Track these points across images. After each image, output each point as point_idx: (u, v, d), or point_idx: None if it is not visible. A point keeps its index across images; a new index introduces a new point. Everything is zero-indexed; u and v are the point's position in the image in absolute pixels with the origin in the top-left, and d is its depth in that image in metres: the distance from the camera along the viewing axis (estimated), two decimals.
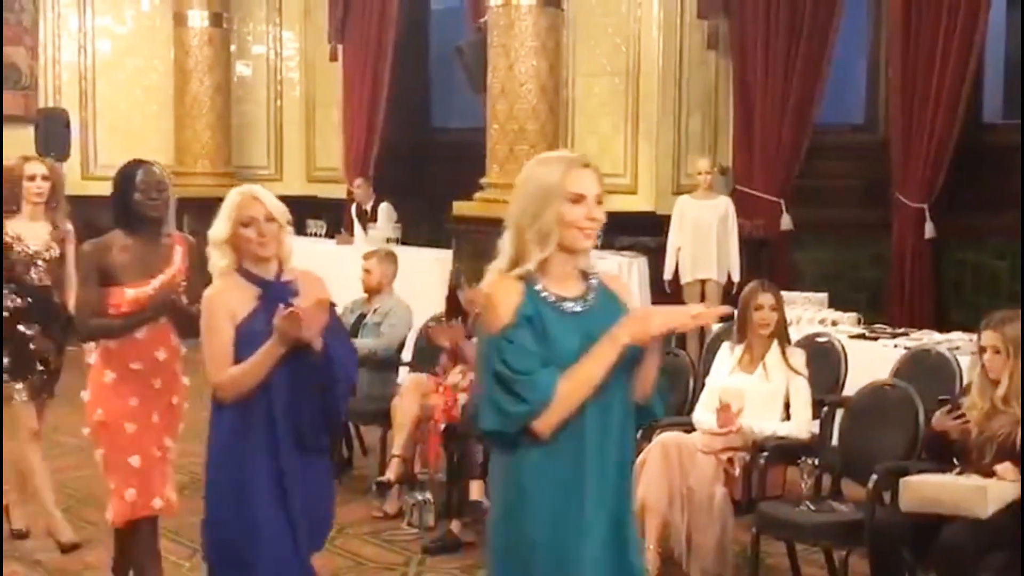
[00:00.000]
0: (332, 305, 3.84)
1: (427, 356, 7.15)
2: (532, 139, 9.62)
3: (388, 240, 10.41)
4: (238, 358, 3.73)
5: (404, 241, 10.80)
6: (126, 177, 4.70)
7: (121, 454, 4.66)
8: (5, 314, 5.65)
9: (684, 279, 9.58)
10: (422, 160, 12.73)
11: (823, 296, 8.52)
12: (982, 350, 4.97)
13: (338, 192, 12.76)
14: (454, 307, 6.93)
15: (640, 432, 6.04)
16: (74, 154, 12.01)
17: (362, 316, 7.46)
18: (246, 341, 3.73)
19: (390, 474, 6.55)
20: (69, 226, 5.86)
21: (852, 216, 9.96)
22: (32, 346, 5.71)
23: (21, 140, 11.70)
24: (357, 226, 11.54)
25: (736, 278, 9.29)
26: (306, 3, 13.51)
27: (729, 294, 9.13)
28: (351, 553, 6.12)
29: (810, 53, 9.60)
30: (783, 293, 6.25)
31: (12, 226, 5.72)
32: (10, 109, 12.27)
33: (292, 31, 13.75)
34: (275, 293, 3.80)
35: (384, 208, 11.22)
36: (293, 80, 13.78)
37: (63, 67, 12.91)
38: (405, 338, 7.45)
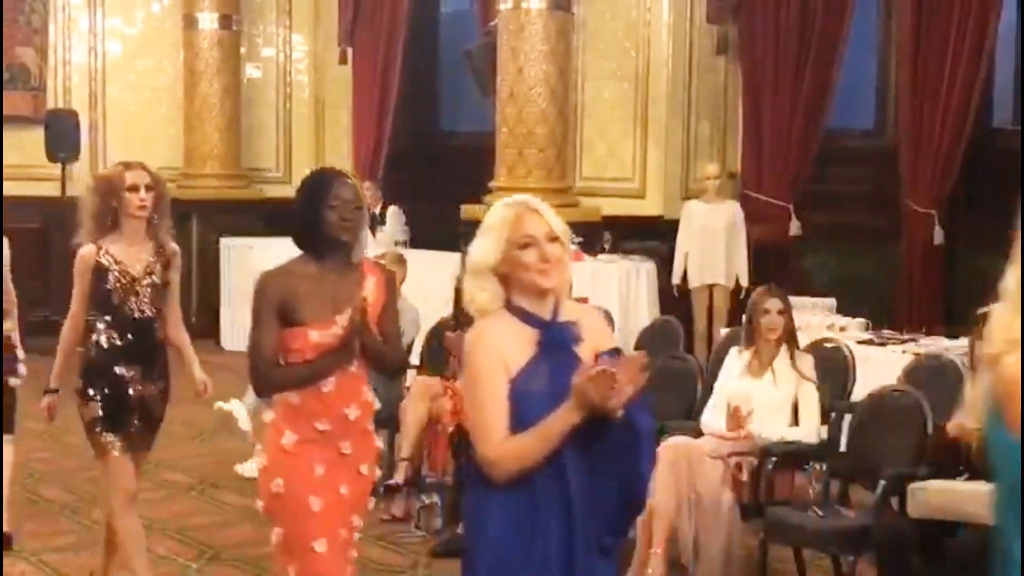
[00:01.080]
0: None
1: (435, 359, 7.16)
2: (541, 143, 9.62)
3: (396, 243, 10.41)
4: (514, 424, 2.91)
5: (413, 244, 10.80)
6: (316, 190, 3.86)
7: (304, 537, 3.85)
8: (99, 347, 4.82)
9: (692, 284, 9.58)
10: (431, 163, 12.73)
11: (831, 301, 8.52)
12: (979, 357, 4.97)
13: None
14: (462, 311, 6.91)
15: None
16: (83, 155, 12.02)
17: None
18: (523, 401, 2.91)
19: (398, 477, 6.55)
20: (175, 246, 5.05)
21: (861, 221, 9.95)
22: (131, 391, 4.82)
23: (31, 141, 11.76)
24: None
25: (744, 283, 9.28)
26: (316, 6, 13.53)
27: (737, 299, 9.13)
28: (358, 555, 6.11)
29: (819, 58, 9.59)
30: (791, 298, 6.25)
31: (108, 246, 4.83)
32: (20, 110, 12.28)
33: (302, 34, 13.75)
34: (556, 338, 2.98)
35: (393, 211, 11.22)
36: (302, 83, 13.79)
37: (73, 68, 12.91)
38: (413, 341, 7.46)
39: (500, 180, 9.79)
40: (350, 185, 3.85)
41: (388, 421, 6.99)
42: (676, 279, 9.67)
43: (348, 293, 3.80)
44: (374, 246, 10.47)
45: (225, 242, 12.31)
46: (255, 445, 7.52)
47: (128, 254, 4.85)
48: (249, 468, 7.49)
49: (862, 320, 8.15)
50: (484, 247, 2.99)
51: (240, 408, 7.31)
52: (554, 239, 3.00)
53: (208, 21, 12.81)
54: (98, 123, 12.94)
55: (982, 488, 4.74)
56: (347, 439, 3.89)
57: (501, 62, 9.81)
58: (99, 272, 4.79)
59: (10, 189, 10.72)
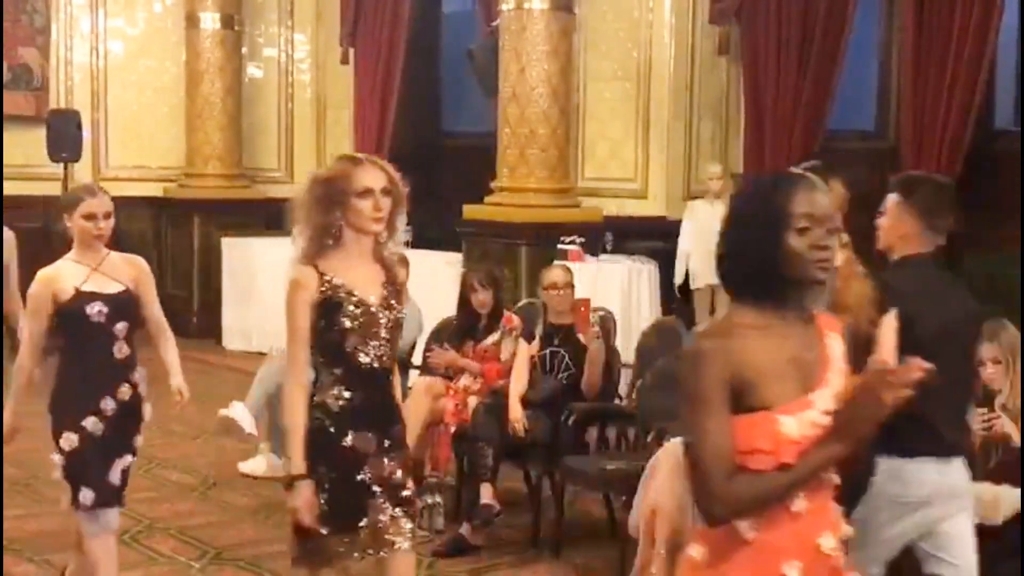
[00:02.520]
0: None
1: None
2: (543, 143, 9.62)
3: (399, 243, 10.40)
4: None
5: (415, 244, 10.80)
6: (771, 205, 2.54)
7: None
8: (325, 410, 3.72)
9: (694, 285, 9.58)
10: (433, 163, 12.73)
11: None
12: (980, 364, 4.98)
13: None
14: (466, 311, 6.95)
15: (651, 437, 6.07)
16: (85, 155, 12.02)
17: None
18: None
19: None
20: (403, 271, 4.03)
21: (862, 223, 9.93)
22: (366, 474, 3.73)
23: (33, 141, 11.76)
24: None
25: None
26: (318, 6, 13.54)
27: None
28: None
29: (821, 59, 9.60)
30: None
31: (332, 269, 3.72)
32: (22, 110, 12.30)
33: (304, 33, 13.76)
34: None
35: None
36: (304, 82, 13.80)
37: (75, 68, 12.92)
38: (416, 341, 7.47)
39: (502, 180, 9.80)
40: (821, 191, 2.55)
41: None
42: (678, 280, 9.66)
43: (814, 356, 2.58)
44: None
45: (227, 242, 12.32)
46: (259, 444, 7.55)
47: (359, 280, 3.76)
48: (251, 466, 7.51)
49: None
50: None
51: (243, 411, 7.32)
52: None
53: (210, 21, 12.81)
54: (100, 123, 12.95)
55: (985, 489, 4.74)
56: None
57: (503, 62, 9.81)
58: (327, 306, 3.68)
59: (12, 189, 10.74)
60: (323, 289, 3.70)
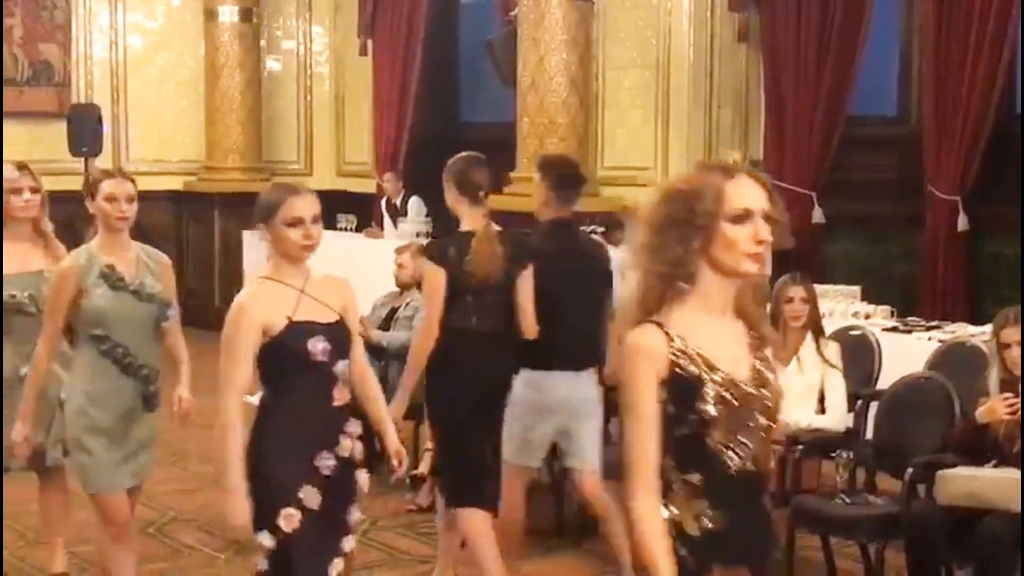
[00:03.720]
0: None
1: None
2: (562, 133, 9.61)
3: (418, 234, 10.42)
4: None
5: (434, 235, 10.80)
6: None
7: None
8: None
9: None
10: (452, 154, 12.64)
11: (856, 289, 8.48)
12: (1004, 346, 4.96)
13: (368, 187, 12.79)
14: None
15: None
16: (106, 150, 12.07)
17: (393, 310, 7.49)
18: None
19: (423, 468, 6.56)
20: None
21: (884, 209, 9.89)
22: None
23: (54, 136, 11.81)
24: (387, 220, 11.56)
25: (768, 272, 9.22)
26: None
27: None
28: (385, 545, 6.15)
29: (841, 45, 9.54)
30: (816, 286, 6.23)
31: (676, 329, 2.62)
32: (43, 105, 12.37)
33: (322, 26, 13.77)
34: None
35: (414, 202, 11.23)
36: (323, 75, 13.81)
37: (95, 63, 12.97)
38: None
39: (521, 170, 9.79)
40: None
41: (412, 411, 6.99)
42: None
43: None
44: (396, 237, 10.50)
45: (248, 235, 12.34)
46: None
47: (717, 345, 2.63)
48: None
49: (887, 307, 8.11)
50: None
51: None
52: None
53: (228, 14, 12.84)
54: (120, 117, 13.00)
55: (1010, 474, 4.73)
56: None
57: (521, 52, 9.80)
58: (681, 384, 2.57)
59: None
60: (676, 358, 2.57)
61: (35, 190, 5.03)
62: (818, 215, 9.92)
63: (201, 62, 13.09)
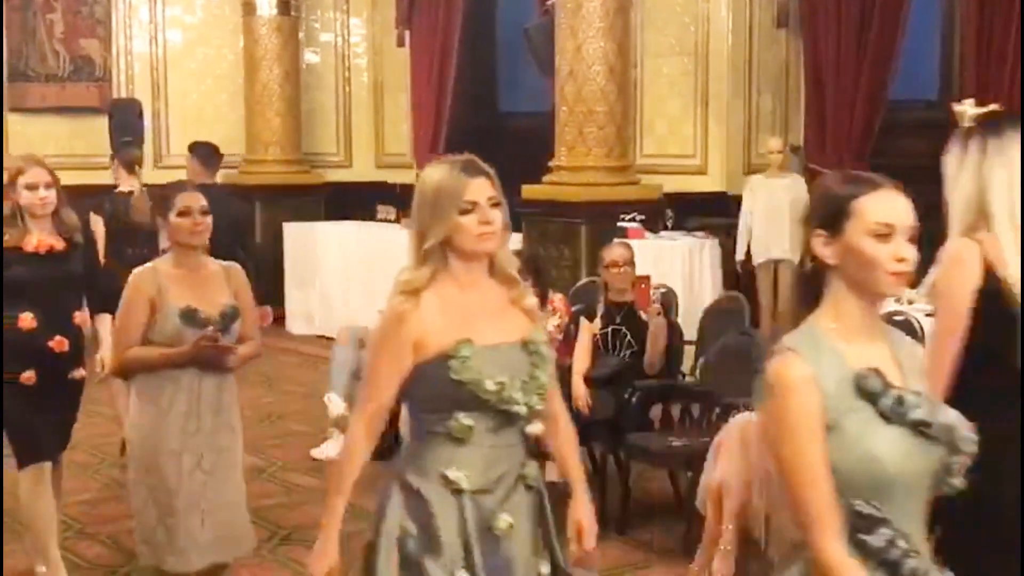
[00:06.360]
0: None
1: None
2: (601, 121, 9.57)
3: None
4: None
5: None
6: None
7: None
8: None
9: (757, 260, 9.51)
10: (490, 144, 12.63)
11: None
12: None
13: (407, 177, 12.79)
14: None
15: (716, 413, 6.05)
16: (147, 144, 12.15)
17: None
18: None
19: None
20: None
21: (926, 193, 9.79)
22: None
23: (96, 131, 11.91)
24: None
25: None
26: None
27: None
28: None
29: (883, 28, 9.46)
30: None
31: None
32: (85, 101, 12.50)
33: (359, 17, 13.81)
34: None
35: None
36: (361, 66, 13.85)
37: (135, 58, 13.07)
38: None
39: (560, 159, 9.77)
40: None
41: None
42: (740, 255, 9.60)
43: None
44: None
45: (288, 227, 12.40)
46: (328, 428, 7.61)
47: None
48: (324, 451, 7.55)
49: None
50: None
51: (337, 399, 7.46)
52: None
53: (266, 7, 12.90)
54: (161, 112, 13.10)
55: None
56: None
57: (559, 41, 9.77)
58: None
59: (76, 178, 10.86)
60: None
61: (50, 184, 5.00)
62: None
63: (240, 55, 13.16)
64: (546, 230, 9.66)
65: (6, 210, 4.99)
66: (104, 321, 5.30)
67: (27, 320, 4.96)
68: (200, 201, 4.45)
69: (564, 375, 6.44)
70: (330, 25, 13.81)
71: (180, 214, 4.41)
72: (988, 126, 3.35)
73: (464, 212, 3.03)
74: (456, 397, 2.99)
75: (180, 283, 4.42)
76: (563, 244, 9.24)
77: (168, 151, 12.99)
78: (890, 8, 9.39)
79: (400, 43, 13.02)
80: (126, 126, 11.69)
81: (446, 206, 3.04)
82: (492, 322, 3.08)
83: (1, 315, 4.94)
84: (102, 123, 11.80)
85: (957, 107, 3.43)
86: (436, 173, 3.13)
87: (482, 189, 3.10)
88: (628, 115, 9.97)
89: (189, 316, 4.36)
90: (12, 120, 12.22)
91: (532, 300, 3.24)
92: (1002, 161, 3.20)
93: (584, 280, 8.31)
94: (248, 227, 7.71)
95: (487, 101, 13.48)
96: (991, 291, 3.13)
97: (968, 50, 9.08)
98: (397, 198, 12.17)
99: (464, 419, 2.99)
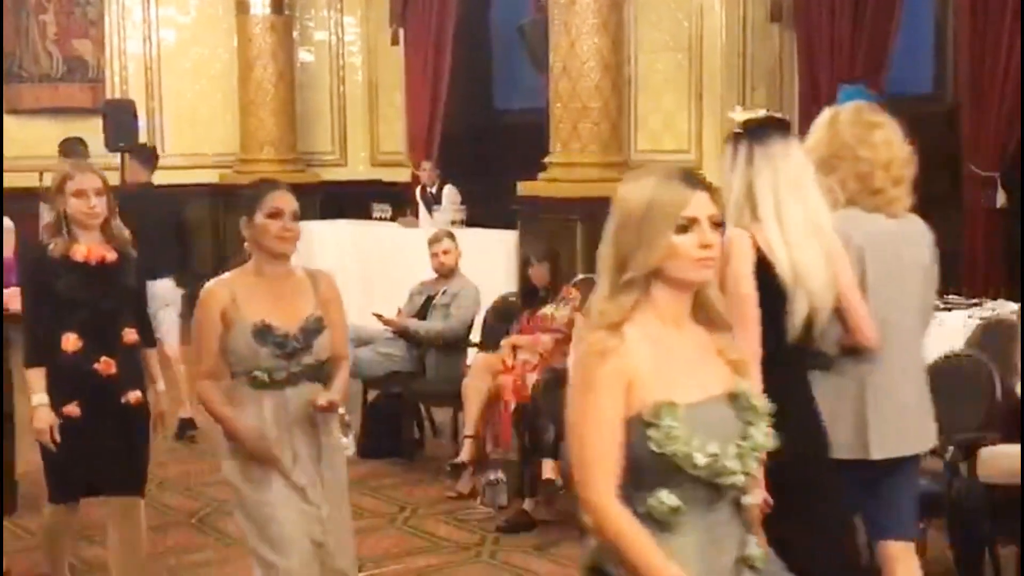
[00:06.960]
0: None
1: (495, 336, 7.21)
2: (595, 117, 9.58)
3: (453, 222, 10.43)
4: None
5: (469, 223, 10.82)
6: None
7: None
8: None
9: None
10: (485, 141, 12.72)
11: None
12: None
13: (402, 175, 12.81)
14: (525, 285, 7.04)
15: None
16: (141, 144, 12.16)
17: (430, 298, 7.51)
18: None
19: (463, 455, 6.58)
20: None
21: (922, 186, 9.81)
22: None
23: (89, 131, 11.88)
24: (422, 209, 11.58)
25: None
26: None
27: None
28: (427, 533, 6.17)
29: (876, 22, 9.46)
30: None
31: None
32: (79, 101, 12.51)
33: (353, 16, 13.80)
34: None
35: (448, 190, 11.24)
36: (355, 65, 13.85)
37: (128, 58, 13.07)
38: (473, 319, 7.50)
39: (555, 156, 9.78)
40: None
41: (451, 399, 7.03)
42: None
43: None
44: (431, 226, 10.51)
45: None
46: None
47: None
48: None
49: None
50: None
51: None
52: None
53: (260, 7, 12.91)
54: (155, 112, 13.10)
55: None
56: None
57: (553, 37, 9.77)
58: None
59: None
60: None
61: (100, 192, 4.51)
62: None
63: (234, 55, 13.16)
64: (541, 227, 9.66)
65: (50, 218, 4.58)
66: (151, 357, 4.86)
67: (71, 341, 4.51)
68: (293, 204, 4.00)
69: (560, 372, 6.47)
70: (324, 24, 13.81)
71: (270, 215, 3.98)
72: (754, 133, 3.60)
73: (681, 230, 2.53)
74: (657, 470, 2.46)
75: (258, 294, 4.00)
76: (559, 241, 9.23)
77: (163, 151, 12.96)
78: (883, 2, 9.40)
79: (394, 41, 13.02)
80: (120, 127, 11.69)
81: (659, 224, 2.53)
82: (694, 372, 2.55)
83: (52, 330, 4.51)
84: (96, 124, 11.78)
85: (730, 113, 3.69)
86: (645, 185, 2.62)
87: (704, 205, 2.59)
88: (622, 111, 9.98)
89: (263, 333, 3.94)
90: (5, 121, 12.21)
91: (740, 352, 2.69)
92: (766, 165, 3.58)
93: (579, 277, 8.32)
94: (189, 227, 8.83)
95: (482, 98, 13.49)
96: (763, 266, 3.45)
97: (962, 43, 9.09)
98: (392, 196, 12.17)
99: (667, 498, 2.46)
